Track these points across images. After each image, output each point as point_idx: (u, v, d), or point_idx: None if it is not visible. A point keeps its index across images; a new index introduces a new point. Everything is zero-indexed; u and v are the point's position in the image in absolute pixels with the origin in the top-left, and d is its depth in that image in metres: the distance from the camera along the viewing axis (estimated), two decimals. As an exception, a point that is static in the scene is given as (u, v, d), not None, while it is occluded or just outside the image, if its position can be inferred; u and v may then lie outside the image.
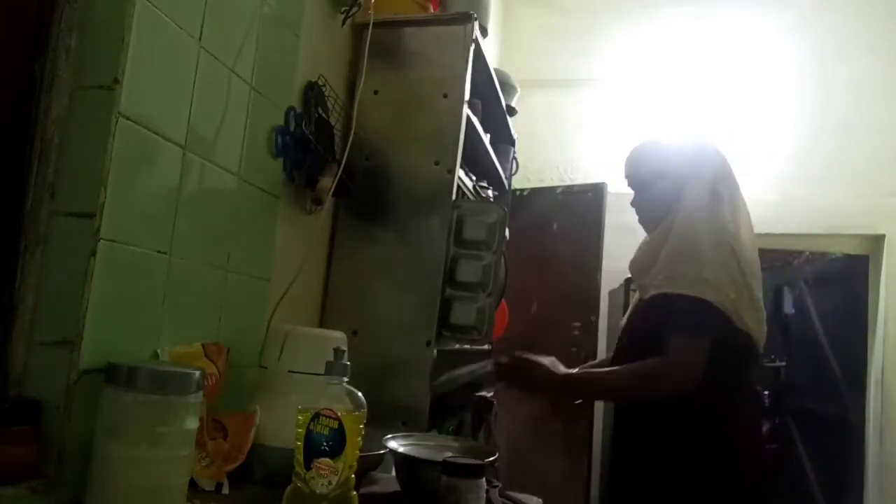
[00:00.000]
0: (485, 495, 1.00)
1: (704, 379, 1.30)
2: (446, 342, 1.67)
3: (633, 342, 1.47)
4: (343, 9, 1.59)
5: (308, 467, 0.79)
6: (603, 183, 2.97)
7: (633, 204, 1.57)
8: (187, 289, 1.07)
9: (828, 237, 3.32)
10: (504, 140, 2.50)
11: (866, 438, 3.13)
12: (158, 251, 0.99)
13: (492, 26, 2.39)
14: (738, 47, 3.30)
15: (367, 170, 1.63)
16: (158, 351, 0.99)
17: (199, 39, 1.05)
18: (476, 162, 2.09)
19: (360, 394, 0.86)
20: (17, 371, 0.84)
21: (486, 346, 2.26)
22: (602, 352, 2.90)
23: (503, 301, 2.14)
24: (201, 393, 0.88)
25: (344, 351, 0.88)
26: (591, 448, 2.89)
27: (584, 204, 3.00)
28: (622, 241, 1.62)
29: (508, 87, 2.46)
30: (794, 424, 4.26)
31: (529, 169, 3.18)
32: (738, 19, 3.33)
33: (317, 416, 0.79)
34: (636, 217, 1.57)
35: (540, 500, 1.39)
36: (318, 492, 0.78)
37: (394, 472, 1.19)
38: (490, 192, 2.25)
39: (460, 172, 1.70)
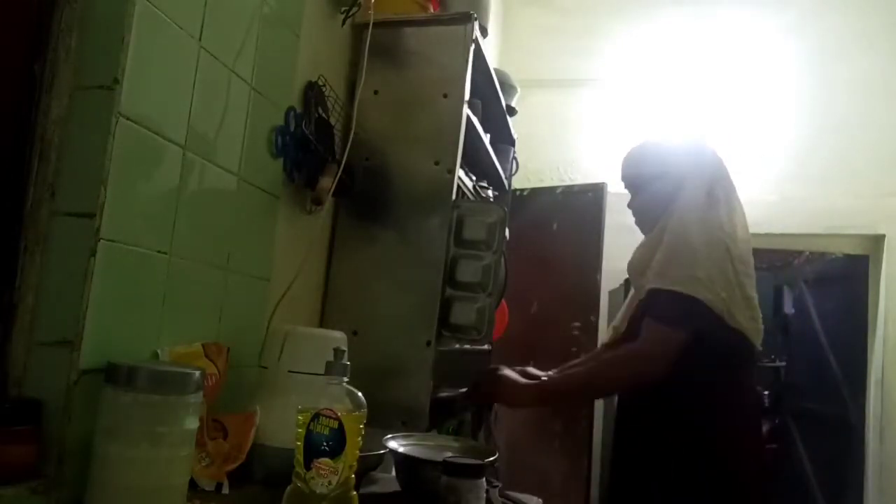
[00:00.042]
0: (485, 495, 1.00)
1: (701, 378, 1.32)
2: (446, 342, 1.67)
3: (626, 340, 1.48)
4: (343, 9, 1.59)
5: (308, 467, 0.79)
6: (603, 183, 2.97)
7: (629, 206, 1.58)
8: (187, 289, 1.07)
9: (828, 237, 3.31)
10: (504, 140, 2.50)
11: (866, 438, 3.13)
12: (158, 251, 0.99)
13: (492, 26, 2.39)
14: (738, 47, 3.30)
15: (367, 170, 1.63)
16: (158, 351, 0.99)
17: (199, 39, 1.05)
18: (476, 162, 2.09)
19: (360, 394, 0.85)
20: (17, 371, 0.84)
21: (486, 346, 2.26)
22: (602, 352, 2.90)
23: (503, 301, 2.14)
24: (201, 393, 0.88)
25: (344, 351, 0.88)
26: (591, 448, 2.88)
27: (584, 204, 3.00)
28: (622, 241, 1.63)
29: (508, 87, 2.46)
30: (794, 424, 4.26)
31: (529, 169, 3.18)
32: (738, 19, 3.33)
33: (317, 416, 0.79)
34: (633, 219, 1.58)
35: (540, 500, 1.39)
36: (318, 492, 0.78)
37: (394, 472, 1.20)
38: (490, 192, 2.25)
39: (460, 172, 1.70)
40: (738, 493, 1.34)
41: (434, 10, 1.86)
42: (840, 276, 3.74)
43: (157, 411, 0.82)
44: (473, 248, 1.62)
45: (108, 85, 0.87)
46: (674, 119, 3.26)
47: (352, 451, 0.79)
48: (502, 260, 1.80)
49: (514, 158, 2.62)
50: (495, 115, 2.26)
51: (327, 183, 1.42)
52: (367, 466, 1.11)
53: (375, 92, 1.68)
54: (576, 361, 1.74)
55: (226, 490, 0.97)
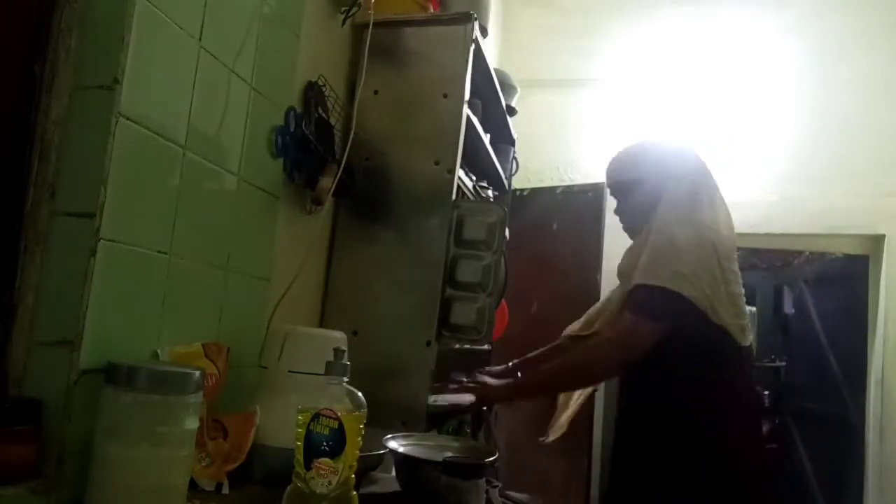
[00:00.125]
0: (485, 495, 1.00)
1: (688, 375, 1.33)
2: (446, 342, 1.67)
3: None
4: (343, 9, 1.59)
5: (308, 467, 0.79)
6: (603, 183, 2.94)
7: (616, 212, 1.61)
8: (187, 289, 1.07)
9: (828, 237, 3.31)
10: (504, 140, 2.50)
11: (866, 438, 3.12)
12: (158, 251, 0.99)
13: (492, 26, 2.39)
14: (738, 47, 3.30)
15: (367, 170, 1.63)
16: (158, 351, 0.99)
17: (199, 39, 1.05)
18: (476, 162, 2.09)
19: (360, 394, 0.85)
20: (17, 371, 0.84)
21: (486, 346, 2.26)
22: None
23: (503, 301, 2.14)
24: (201, 393, 0.88)
25: (344, 351, 0.88)
26: (591, 448, 2.88)
27: (584, 204, 3.00)
28: (622, 241, 1.63)
29: (508, 87, 2.46)
30: (794, 424, 4.26)
31: (529, 169, 3.17)
32: (738, 19, 3.32)
33: (317, 416, 0.79)
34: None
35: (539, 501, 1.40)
36: (318, 492, 0.78)
37: (394, 472, 1.19)
38: (490, 192, 2.25)
39: (460, 172, 1.70)
40: (738, 493, 1.35)
41: (434, 10, 1.86)
42: (840, 276, 3.74)
43: (157, 411, 0.82)
44: (473, 248, 1.62)
45: (108, 85, 0.87)
46: (674, 119, 3.26)
47: (352, 451, 0.79)
48: (502, 260, 1.80)
49: (514, 158, 2.62)
50: (495, 115, 2.26)
51: (327, 183, 1.42)
52: (367, 466, 1.11)
53: (375, 92, 1.68)
54: (542, 351, 1.77)
55: (226, 490, 0.97)
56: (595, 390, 2.66)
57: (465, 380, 1.63)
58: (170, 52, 0.98)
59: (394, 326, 1.60)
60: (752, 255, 5.31)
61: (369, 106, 1.66)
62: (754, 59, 3.28)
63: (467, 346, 1.96)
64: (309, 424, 0.79)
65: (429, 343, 1.57)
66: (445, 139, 1.65)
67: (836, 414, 3.61)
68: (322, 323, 1.64)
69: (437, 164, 1.64)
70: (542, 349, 1.79)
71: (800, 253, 4.79)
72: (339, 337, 1.15)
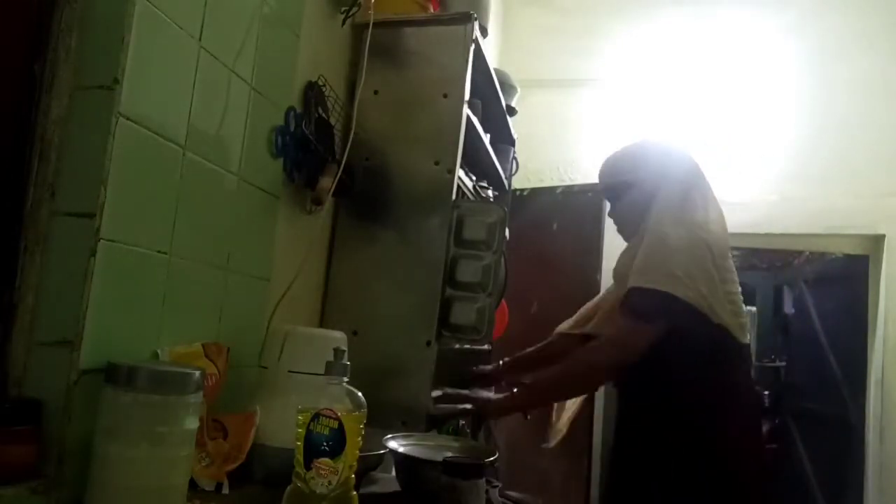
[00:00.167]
0: (485, 495, 1.00)
1: (691, 375, 1.33)
2: (446, 342, 1.67)
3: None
4: (343, 9, 1.59)
5: (308, 467, 0.79)
6: (603, 183, 2.96)
7: (610, 215, 1.62)
8: (187, 289, 1.07)
9: (828, 237, 3.31)
10: (504, 140, 2.50)
11: (866, 438, 3.12)
12: (158, 251, 0.99)
13: (492, 26, 2.39)
14: (738, 47, 3.30)
15: (367, 170, 1.63)
16: (158, 351, 0.99)
17: (199, 39, 1.05)
18: (476, 162, 2.09)
19: (360, 394, 0.85)
20: (17, 371, 0.84)
21: (486, 346, 2.26)
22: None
23: (503, 301, 2.14)
24: (201, 393, 0.88)
25: (344, 351, 0.88)
26: (591, 448, 2.88)
27: (584, 204, 3.00)
28: (622, 240, 1.63)
29: (508, 87, 2.46)
30: (794, 424, 4.26)
31: (529, 169, 3.17)
32: (738, 19, 3.32)
33: (317, 416, 0.79)
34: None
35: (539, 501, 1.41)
36: (318, 492, 0.78)
37: (394, 472, 1.19)
38: (490, 192, 2.25)
39: (460, 172, 1.70)
40: (738, 493, 1.35)
41: (434, 10, 1.86)
42: (840, 276, 3.74)
43: (157, 411, 0.82)
44: (473, 248, 1.62)
45: (108, 85, 0.87)
46: (674, 119, 3.26)
47: (352, 451, 0.79)
48: (502, 260, 1.80)
49: (514, 158, 2.62)
50: (495, 115, 2.26)
51: (327, 183, 1.42)
52: (367, 466, 1.11)
53: (375, 92, 1.68)
54: (533, 349, 1.77)
55: (226, 490, 0.97)
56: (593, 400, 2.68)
57: (465, 393, 1.63)
58: (170, 52, 0.98)
59: (394, 326, 1.60)
60: (752, 255, 5.31)
61: (369, 106, 1.66)
62: (754, 59, 3.28)
63: (467, 346, 1.96)
64: (309, 424, 0.79)
65: (429, 343, 1.57)
66: (445, 139, 1.65)
67: (836, 414, 3.61)
68: (322, 323, 1.64)
69: (437, 164, 1.64)
70: (533, 347, 1.79)
71: (800, 253, 4.79)
72: (339, 337, 1.15)
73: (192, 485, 0.92)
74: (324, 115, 1.49)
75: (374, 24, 1.57)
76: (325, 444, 0.79)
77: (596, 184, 3.02)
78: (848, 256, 3.54)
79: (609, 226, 2.91)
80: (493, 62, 2.21)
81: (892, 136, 3.09)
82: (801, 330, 4.33)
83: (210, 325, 1.15)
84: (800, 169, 3.16)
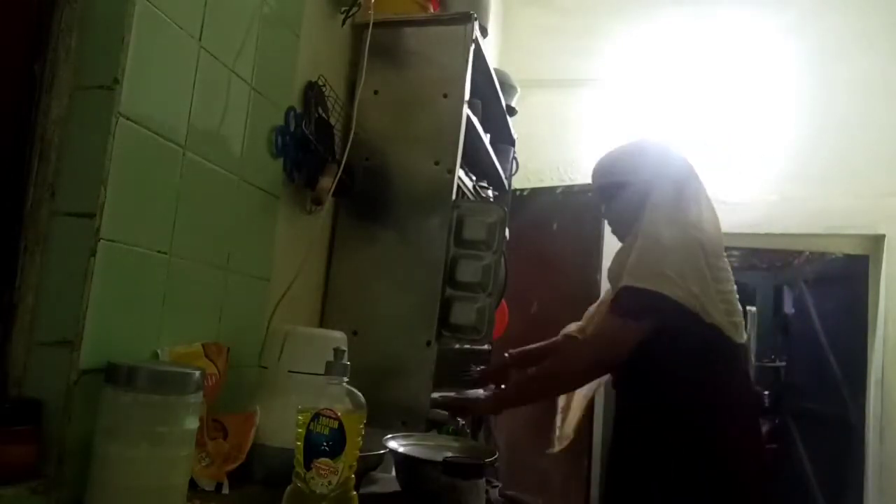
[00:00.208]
0: (485, 495, 1.00)
1: (684, 374, 1.34)
2: (446, 342, 1.67)
3: None
4: (343, 9, 1.59)
5: (308, 467, 0.79)
6: (603, 183, 2.96)
7: (604, 216, 1.62)
8: (187, 289, 1.07)
9: (828, 237, 3.31)
10: (504, 140, 2.50)
11: (866, 438, 3.12)
12: (158, 251, 0.99)
13: (492, 26, 2.39)
14: (738, 47, 3.30)
15: (367, 170, 1.63)
16: (158, 351, 0.99)
17: (199, 39, 1.05)
18: (476, 162, 2.09)
19: (360, 394, 0.85)
20: (17, 371, 0.84)
21: (486, 346, 2.26)
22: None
23: (503, 301, 2.14)
24: (201, 393, 0.88)
25: (344, 351, 0.88)
26: (591, 448, 2.88)
27: (584, 204, 2.99)
28: (621, 241, 1.64)
29: (508, 87, 2.46)
30: (794, 424, 4.26)
31: (529, 169, 3.17)
32: (738, 19, 3.32)
33: (317, 416, 0.79)
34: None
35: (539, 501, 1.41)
36: (318, 492, 0.78)
37: (394, 472, 1.19)
38: (490, 192, 2.25)
39: (460, 172, 1.70)
40: (738, 493, 1.35)
41: (434, 10, 1.86)
42: (840, 276, 3.74)
43: (157, 411, 0.82)
44: (473, 248, 1.62)
45: (108, 85, 0.87)
46: (674, 119, 3.26)
47: (352, 451, 0.79)
48: (502, 260, 1.80)
49: (514, 158, 2.62)
50: (495, 115, 2.26)
51: (327, 183, 1.42)
52: (367, 466, 1.11)
53: (375, 92, 1.68)
54: (541, 345, 1.78)
55: (226, 490, 0.97)
56: (594, 394, 2.68)
57: (454, 394, 1.65)
58: (170, 52, 0.98)
59: (394, 326, 1.60)
60: (752, 255, 5.32)
61: (369, 106, 1.66)
62: (754, 59, 3.28)
63: (467, 346, 1.96)
64: (309, 424, 0.79)
65: (429, 343, 1.57)
66: (445, 139, 1.65)
67: (836, 414, 3.61)
68: (322, 323, 1.64)
69: (437, 164, 1.64)
70: (541, 343, 1.80)
71: (800, 253, 4.79)
72: (339, 337, 1.15)
73: (192, 485, 0.92)
74: (324, 115, 1.49)
75: (374, 24, 1.57)
76: (325, 444, 0.79)
77: (596, 184, 3.03)
78: (848, 256, 3.54)
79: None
80: (493, 62, 2.21)
81: (892, 136, 3.09)
82: (801, 330, 4.33)
83: (210, 325, 1.15)
84: (800, 169, 3.16)
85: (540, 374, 1.54)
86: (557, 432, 1.97)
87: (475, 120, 1.83)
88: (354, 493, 0.82)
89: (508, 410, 2.48)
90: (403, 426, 1.47)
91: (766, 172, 3.18)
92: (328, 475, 0.78)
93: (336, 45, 1.63)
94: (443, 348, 1.62)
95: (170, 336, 1.02)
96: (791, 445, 4.17)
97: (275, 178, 1.35)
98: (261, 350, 1.19)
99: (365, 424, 0.82)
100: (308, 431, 0.79)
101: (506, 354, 1.79)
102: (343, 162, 1.45)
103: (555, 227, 3.05)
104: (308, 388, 1.04)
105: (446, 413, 1.57)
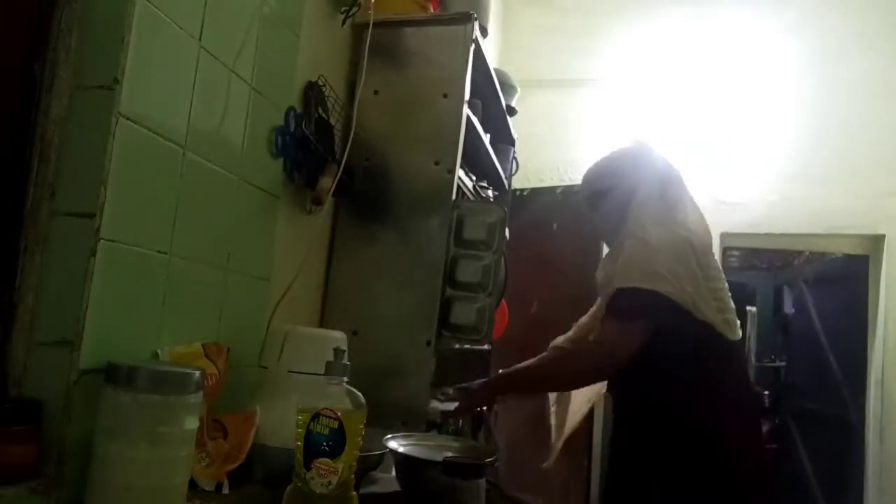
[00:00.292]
0: (485, 495, 1.00)
1: (679, 373, 1.34)
2: (446, 342, 1.67)
3: None
4: (343, 9, 1.59)
5: (308, 467, 0.79)
6: (603, 183, 2.96)
7: (589, 223, 1.63)
8: (187, 289, 1.07)
9: (828, 237, 3.31)
10: (504, 140, 2.50)
11: (866, 438, 3.13)
12: (158, 251, 0.99)
13: (492, 26, 2.39)
14: (738, 47, 3.30)
15: (367, 170, 1.63)
16: (158, 351, 0.99)
17: (199, 39, 1.05)
18: (476, 162, 2.09)
19: (360, 394, 0.85)
20: (17, 371, 0.84)
21: (486, 346, 2.26)
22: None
23: (503, 301, 2.14)
24: (201, 393, 0.88)
25: (344, 351, 0.88)
26: (591, 448, 2.88)
27: (584, 204, 3.00)
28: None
29: (508, 87, 2.46)
30: (794, 424, 4.26)
31: (529, 169, 3.17)
32: (738, 19, 3.32)
33: (317, 416, 0.79)
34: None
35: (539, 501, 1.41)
36: (318, 492, 0.78)
37: (394, 472, 1.19)
38: (490, 192, 2.25)
39: (460, 172, 1.70)
40: (738, 493, 1.35)
41: (434, 10, 1.86)
42: (840, 276, 3.74)
43: (157, 411, 0.82)
44: (473, 248, 1.62)
45: (108, 85, 0.87)
46: (674, 119, 3.26)
47: (352, 451, 0.80)
48: (502, 260, 1.80)
49: (514, 158, 2.62)
50: (495, 115, 2.26)
51: (327, 183, 1.42)
52: (367, 466, 1.11)
53: (375, 92, 1.68)
54: (531, 362, 1.76)
55: (226, 490, 0.97)
56: (592, 407, 2.68)
57: (450, 391, 1.64)
58: (170, 52, 0.98)
59: (394, 326, 1.60)
60: (752, 255, 5.31)
61: (369, 106, 1.66)
62: (754, 59, 3.28)
63: (467, 346, 1.96)
64: (309, 424, 0.79)
65: (429, 343, 1.57)
66: (445, 139, 1.65)
67: (836, 414, 3.61)
68: (322, 323, 1.64)
69: (437, 164, 1.64)
70: (530, 361, 1.77)
71: (800, 253, 4.79)
72: (339, 337, 1.15)
73: (192, 485, 0.92)
74: (324, 115, 1.49)
75: (374, 24, 1.57)
76: (325, 444, 0.79)
77: (596, 184, 3.03)
78: (848, 256, 3.55)
79: (609, 226, 2.92)
80: (493, 62, 2.21)
81: (892, 136, 3.09)
82: (801, 330, 4.33)
83: (210, 325, 1.15)
84: (800, 169, 3.16)
85: (535, 367, 1.54)
86: (551, 448, 1.97)
87: (475, 120, 1.83)
88: (354, 493, 0.82)
89: (508, 411, 2.49)
90: (403, 426, 1.47)
91: (766, 172, 3.18)
92: (328, 475, 0.78)
93: (336, 45, 1.63)
94: (443, 348, 1.62)
95: (170, 336, 1.02)
96: (791, 445, 4.17)
97: (275, 178, 1.35)
98: (261, 350, 1.19)
99: (365, 424, 0.82)
100: (308, 431, 0.79)
101: (500, 371, 1.75)
102: (343, 162, 1.45)
103: (555, 227, 3.04)
104: (308, 388, 1.04)
105: (439, 411, 1.57)
